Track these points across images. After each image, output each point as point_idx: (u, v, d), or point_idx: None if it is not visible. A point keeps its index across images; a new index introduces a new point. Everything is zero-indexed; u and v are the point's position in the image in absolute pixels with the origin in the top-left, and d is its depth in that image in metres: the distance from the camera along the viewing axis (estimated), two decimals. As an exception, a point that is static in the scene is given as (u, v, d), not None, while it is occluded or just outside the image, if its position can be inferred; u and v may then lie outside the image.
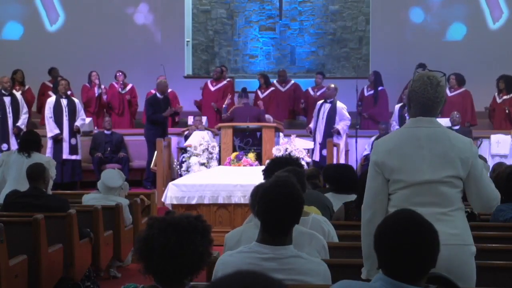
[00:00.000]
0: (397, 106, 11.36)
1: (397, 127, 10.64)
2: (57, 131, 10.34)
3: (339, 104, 10.61)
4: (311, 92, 12.83)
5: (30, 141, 6.89)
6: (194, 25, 15.22)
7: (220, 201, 8.14)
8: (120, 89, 12.43)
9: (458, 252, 3.07)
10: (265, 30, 15.41)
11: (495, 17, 13.72)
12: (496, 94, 11.87)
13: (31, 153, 6.75)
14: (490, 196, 3.23)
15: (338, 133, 10.45)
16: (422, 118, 3.21)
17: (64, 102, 10.48)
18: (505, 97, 11.70)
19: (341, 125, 10.50)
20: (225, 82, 12.88)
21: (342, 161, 10.43)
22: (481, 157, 4.47)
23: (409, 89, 3.28)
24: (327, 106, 10.59)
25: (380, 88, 12.29)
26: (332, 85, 10.88)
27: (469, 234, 3.18)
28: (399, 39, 13.75)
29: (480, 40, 13.48)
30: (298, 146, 9.38)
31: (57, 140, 10.38)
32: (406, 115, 10.86)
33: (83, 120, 10.67)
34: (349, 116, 10.64)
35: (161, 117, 10.62)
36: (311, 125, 10.76)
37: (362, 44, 15.18)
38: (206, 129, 11.15)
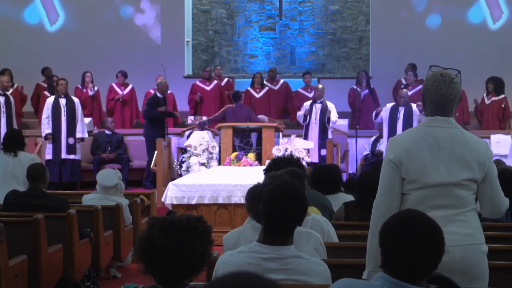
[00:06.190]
0: (389, 105, 10.95)
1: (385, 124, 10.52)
2: (48, 131, 10.30)
3: (329, 104, 10.62)
4: (305, 93, 12.74)
5: (15, 140, 6.93)
6: (194, 25, 15.21)
7: (220, 201, 8.14)
8: (120, 90, 12.49)
9: (472, 252, 3.07)
10: (265, 30, 15.40)
11: (495, 17, 13.72)
12: (484, 95, 12.02)
13: (17, 152, 6.80)
14: (502, 200, 3.23)
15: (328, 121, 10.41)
16: (438, 117, 3.19)
17: (63, 101, 10.45)
18: (493, 98, 11.92)
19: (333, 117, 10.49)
20: (219, 81, 12.91)
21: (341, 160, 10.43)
22: None
23: (423, 88, 3.27)
24: (318, 106, 10.57)
25: (372, 86, 12.37)
26: (320, 86, 10.97)
27: (482, 233, 3.17)
28: (399, 39, 13.75)
29: (480, 40, 13.48)
30: (298, 146, 9.37)
31: (56, 140, 10.33)
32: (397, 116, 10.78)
33: (83, 133, 10.57)
34: (337, 115, 10.67)
35: (156, 112, 10.55)
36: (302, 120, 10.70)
37: (362, 44, 15.18)
38: (204, 129, 11.13)
